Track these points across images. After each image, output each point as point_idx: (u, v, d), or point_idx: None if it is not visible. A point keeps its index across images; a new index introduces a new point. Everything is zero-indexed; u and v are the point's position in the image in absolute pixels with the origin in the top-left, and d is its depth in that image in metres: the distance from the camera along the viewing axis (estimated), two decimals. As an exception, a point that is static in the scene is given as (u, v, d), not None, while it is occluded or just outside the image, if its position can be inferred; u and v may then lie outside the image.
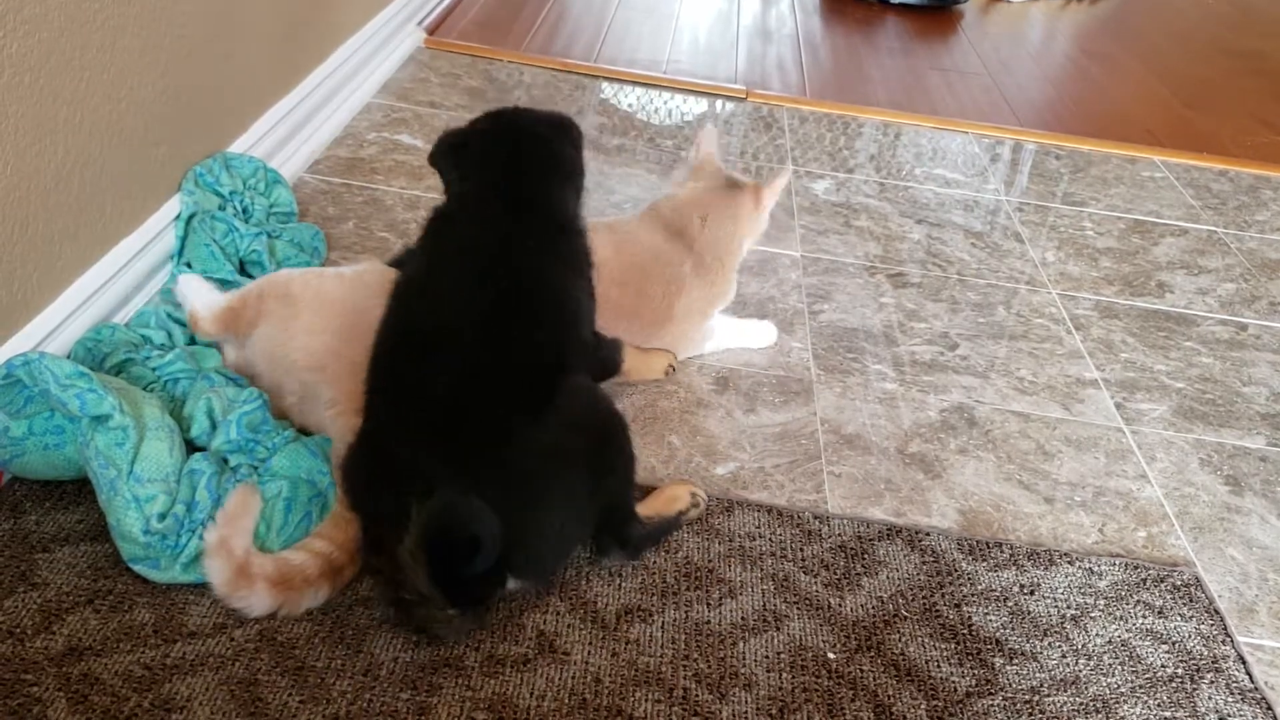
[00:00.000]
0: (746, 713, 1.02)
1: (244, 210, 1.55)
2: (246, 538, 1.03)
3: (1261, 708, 1.11)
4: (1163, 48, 3.48)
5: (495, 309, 1.09)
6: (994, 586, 1.21)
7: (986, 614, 1.17)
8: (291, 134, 1.84)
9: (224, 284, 1.42)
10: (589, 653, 1.06)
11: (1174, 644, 1.17)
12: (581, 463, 1.07)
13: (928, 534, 1.27)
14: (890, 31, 3.28)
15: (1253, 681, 1.14)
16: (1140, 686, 1.11)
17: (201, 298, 1.31)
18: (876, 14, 3.44)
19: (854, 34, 3.21)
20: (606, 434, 1.11)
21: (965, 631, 1.14)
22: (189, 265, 1.44)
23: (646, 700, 1.02)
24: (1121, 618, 1.19)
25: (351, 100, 2.11)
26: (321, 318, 1.23)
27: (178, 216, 1.47)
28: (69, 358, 1.23)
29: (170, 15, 1.41)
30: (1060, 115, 2.75)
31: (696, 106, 2.48)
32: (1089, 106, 2.86)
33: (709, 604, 1.13)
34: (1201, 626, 1.19)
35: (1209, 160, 2.53)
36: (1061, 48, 3.40)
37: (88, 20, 1.22)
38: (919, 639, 1.13)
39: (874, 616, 1.15)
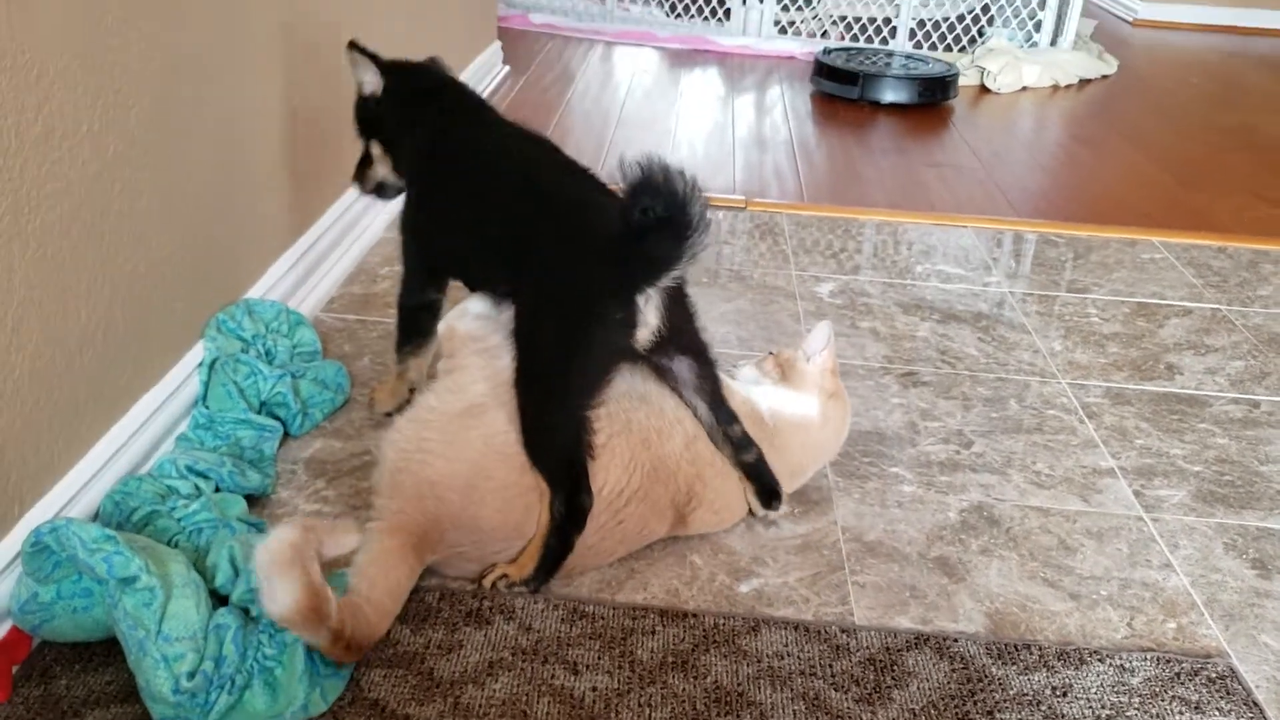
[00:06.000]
0: (785, 840, 1.01)
1: (267, 353, 1.59)
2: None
3: (1310, 803, 1.09)
4: (1152, 129, 3.55)
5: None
6: (1026, 691, 1.20)
7: (1021, 720, 1.16)
8: (306, 276, 1.89)
9: (239, 423, 1.45)
10: (622, 786, 1.05)
11: (1214, 740, 1.15)
12: None
13: (955, 640, 1.26)
14: (883, 131, 3.36)
15: (1298, 775, 1.12)
16: (1184, 788, 1.09)
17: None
18: (868, 115, 3.53)
19: (847, 136, 3.29)
20: None
21: (1001, 740, 1.13)
22: (208, 408, 1.47)
23: (683, 833, 1.00)
24: (1158, 715, 1.18)
25: (364, 237, 2.17)
26: (490, 486, 1.27)
27: (200, 363, 1.51)
28: (97, 512, 1.26)
29: (185, 174, 1.46)
30: (1056, 203, 2.80)
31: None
32: (1084, 192, 2.90)
33: (740, 728, 1.12)
34: (1241, 720, 1.18)
35: (1207, 238, 2.56)
36: (1053, 135, 3.47)
37: (106, 189, 1.28)
38: (954, 751, 1.11)
39: (907, 730, 1.13)
